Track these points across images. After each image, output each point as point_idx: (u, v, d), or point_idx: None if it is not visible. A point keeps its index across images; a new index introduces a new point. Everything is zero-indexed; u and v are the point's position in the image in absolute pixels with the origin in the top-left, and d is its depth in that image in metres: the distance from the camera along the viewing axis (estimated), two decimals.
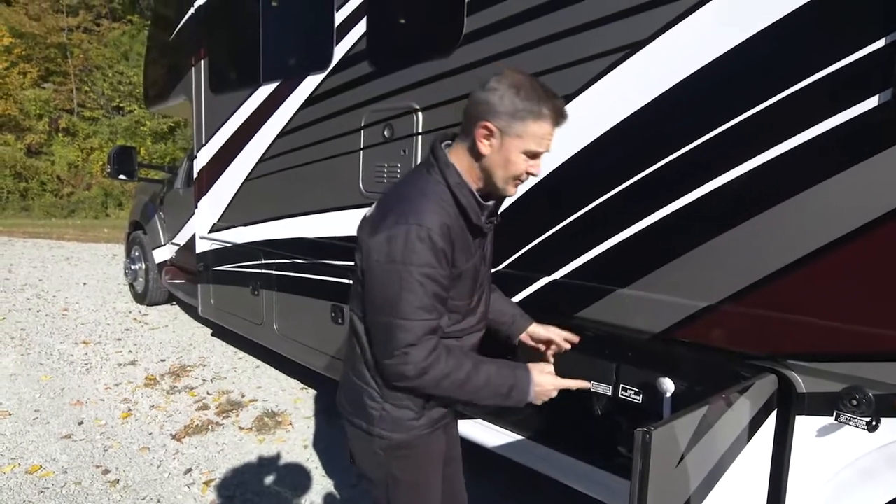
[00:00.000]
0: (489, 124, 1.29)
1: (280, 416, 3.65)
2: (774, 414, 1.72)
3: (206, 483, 2.88)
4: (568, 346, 1.74)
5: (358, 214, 3.02)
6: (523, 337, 1.74)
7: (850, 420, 1.56)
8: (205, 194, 4.38)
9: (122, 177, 5.63)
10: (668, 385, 1.97)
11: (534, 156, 1.34)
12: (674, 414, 1.36)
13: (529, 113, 1.28)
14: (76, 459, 3.06)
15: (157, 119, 19.18)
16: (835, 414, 1.59)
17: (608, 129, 1.99)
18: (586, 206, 2.06)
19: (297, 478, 2.97)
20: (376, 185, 2.89)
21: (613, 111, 1.97)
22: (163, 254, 5.81)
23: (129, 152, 5.71)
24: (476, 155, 1.34)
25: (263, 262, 3.81)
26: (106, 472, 2.96)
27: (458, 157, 1.36)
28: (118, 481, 2.87)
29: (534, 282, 2.23)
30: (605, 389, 2.19)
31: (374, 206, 1.44)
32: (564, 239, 2.13)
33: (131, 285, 6.54)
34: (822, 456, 1.64)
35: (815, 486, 1.66)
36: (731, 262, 1.73)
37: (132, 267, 6.33)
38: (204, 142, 4.35)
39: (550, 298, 2.18)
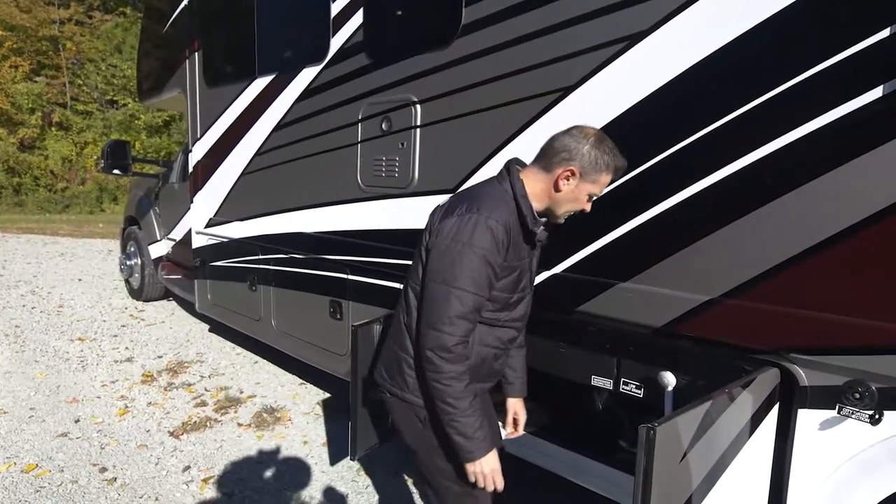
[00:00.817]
0: (574, 168, 1.55)
1: (279, 412, 3.64)
2: (776, 408, 1.71)
3: (205, 480, 2.86)
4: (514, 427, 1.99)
5: (356, 208, 3.02)
6: (509, 401, 1.98)
7: (852, 413, 1.56)
8: (200, 189, 4.34)
9: (115, 171, 5.57)
10: (670, 379, 1.96)
11: (591, 198, 1.63)
12: (677, 410, 1.35)
13: (606, 166, 1.56)
14: (73, 458, 3.04)
15: (151, 113, 19.02)
16: (837, 407, 1.59)
17: (607, 122, 1.97)
18: None
19: (297, 474, 2.96)
20: (374, 178, 2.87)
21: (613, 103, 1.95)
22: (159, 249, 5.77)
23: (123, 146, 5.65)
24: (554, 187, 1.59)
25: (261, 257, 3.78)
26: (103, 470, 2.94)
27: (530, 180, 1.61)
28: (116, 479, 2.85)
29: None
30: (606, 384, 2.18)
31: (446, 200, 1.70)
32: (565, 232, 2.11)
33: (127, 281, 6.50)
34: (824, 449, 1.64)
35: (817, 480, 1.66)
36: (734, 256, 1.71)
37: (128, 263, 6.28)
38: (199, 136, 4.30)
39: (551, 292, 2.17)
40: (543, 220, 1.66)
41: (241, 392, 3.96)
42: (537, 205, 1.62)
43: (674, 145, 1.82)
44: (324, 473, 2.97)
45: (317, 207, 3.27)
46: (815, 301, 1.58)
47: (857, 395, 1.53)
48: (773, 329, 1.67)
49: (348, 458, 2.17)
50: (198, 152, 4.34)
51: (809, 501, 1.68)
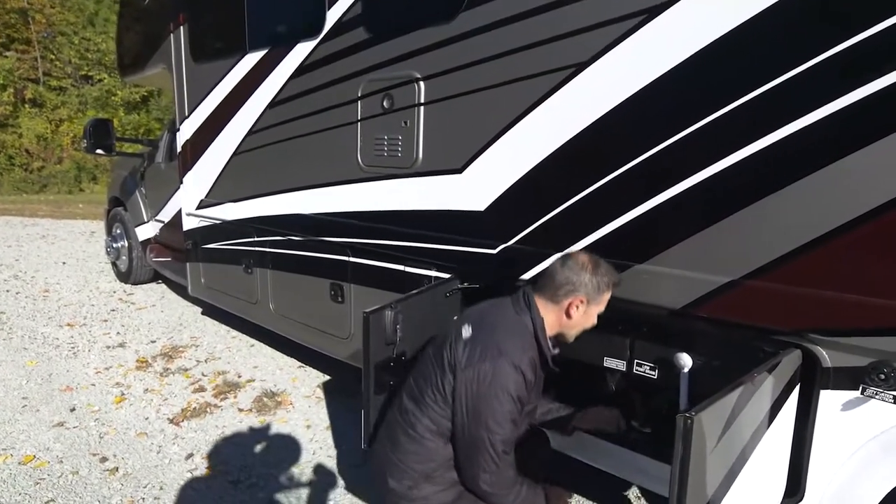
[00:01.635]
0: (582, 297, 1.71)
1: (279, 396, 3.59)
2: (797, 389, 1.70)
3: (210, 468, 2.82)
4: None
5: (357, 189, 2.93)
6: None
7: (876, 394, 1.55)
8: (190, 169, 4.21)
9: (99, 151, 5.38)
10: (686, 360, 1.94)
11: (598, 314, 1.80)
12: (711, 397, 1.33)
13: (607, 286, 1.74)
14: (71, 448, 2.98)
15: (129, 88, 18.47)
16: (860, 388, 1.58)
17: (623, 99, 1.91)
18: (603, 178, 1.99)
19: (303, 458, 2.93)
20: (376, 158, 2.78)
21: (630, 80, 1.88)
22: (146, 231, 5.62)
23: (106, 125, 5.44)
24: (566, 316, 1.74)
25: (256, 239, 3.69)
26: (104, 459, 2.88)
27: (544, 311, 1.74)
28: (117, 469, 2.80)
29: (546, 258, 2.17)
30: (619, 365, 2.16)
31: (469, 330, 1.73)
32: (581, 213, 2.06)
33: (114, 264, 6.35)
34: (846, 430, 1.64)
35: (838, 461, 1.66)
36: (756, 237, 1.68)
37: (114, 245, 6.12)
38: (187, 114, 4.15)
39: None
40: (556, 350, 1.80)
41: (240, 376, 3.91)
42: (550, 332, 1.76)
43: (694, 123, 1.77)
44: (330, 458, 2.94)
45: (315, 188, 3.18)
46: (840, 282, 1.56)
47: (882, 376, 1.52)
48: (796, 311, 1.65)
49: (361, 444, 2.13)
50: (186, 131, 4.19)
51: (830, 482, 1.69)
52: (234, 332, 4.72)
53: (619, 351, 2.15)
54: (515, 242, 2.27)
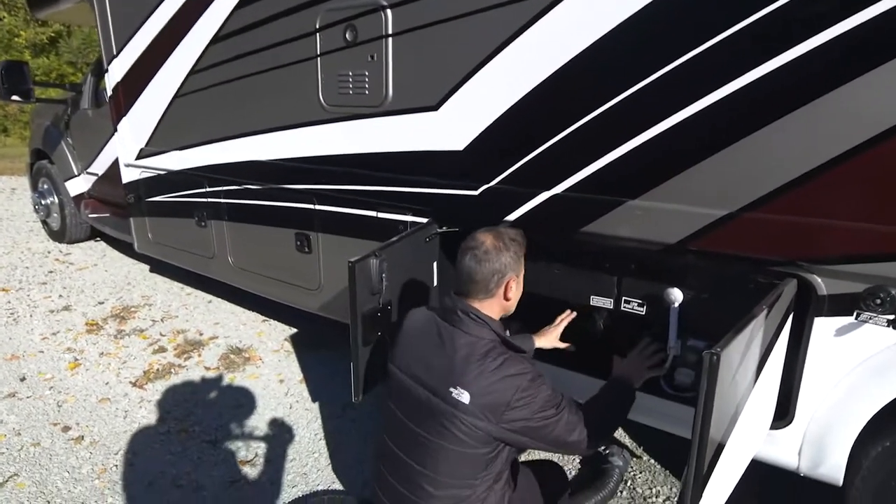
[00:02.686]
0: (512, 276, 1.67)
1: (247, 352, 3.45)
2: (791, 317, 1.73)
3: (183, 429, 2.70)
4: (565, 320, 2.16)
5: (319, 131, 2.72)
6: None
7: (870, 318, 1.59)
8: (125, 115, 3.83)
9: (15, 98, 4.78)
10: (677, 295, 1.95)
11: None
12: (731, 332, 1.31)
13: (521, 247, 1.72)
14: (28, 419, 2.77)
15: (34, 29, 16.63)
16: (855, 314, 1.62)
17: (619, 23, 1.79)
18: (592, 112, 1.90)
19: (280, 412, 2.85)
20: (340, 97, 2.58)
21: (614, 9, 1.76)
22: (78, 185, 5.16)
23: (21, 68, 4.81)
24: (504, 300, 1.70)
25: (209, 189, 3.43)
26: (66, 428, 2.70)
27: (489, 312, 1.67)
28: (83, 437, 2.63)
29: (532, 198, 2.09)
30: (606, 303, 2.15)
31: (464, 393, 1.56)
32: (570, 149, 1.97)
33: (44, 222, 5.84)
34: (838, 355, 1.68)
35: (829, 384, 1.72)
36: (753, 169, 1.65)
37: (43, 202, 5.60)
38: (115, 52, 3.73)
39: (552, 214, 2.06)
40: (507, 332, 1.78)
41: (201, 334, 3.72)
42: (498, 318, 1.72)
43: (686, 54, 1.69)
44: (308, 411, 2.87)
45: (272, 132, 2.94)
46: (837, 210, 1.56)
47: (878, 301, 1.55)
48: (793, 241, 1.65)
49: (352, 398, 2.06)
50: (116, 72, 3.78)
51: (819, 405, 1.75)
52: (189, 289, 4.48)
53: (606, 289, 2.14)
54: (499, 183, 2.17)
